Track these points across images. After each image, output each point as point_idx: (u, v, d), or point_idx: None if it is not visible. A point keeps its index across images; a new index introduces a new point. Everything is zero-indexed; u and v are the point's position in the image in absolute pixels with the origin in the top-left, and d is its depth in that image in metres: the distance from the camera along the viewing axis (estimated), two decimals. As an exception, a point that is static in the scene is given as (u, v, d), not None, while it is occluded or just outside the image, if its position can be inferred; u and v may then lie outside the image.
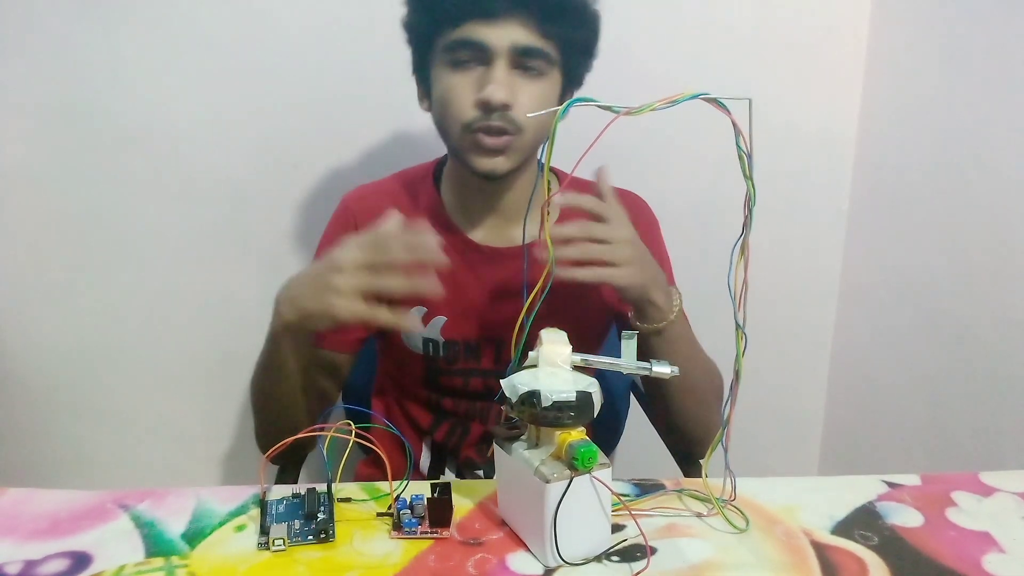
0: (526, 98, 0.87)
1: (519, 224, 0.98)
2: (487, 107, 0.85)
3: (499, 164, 0.88)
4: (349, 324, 0.78)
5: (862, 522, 0.70)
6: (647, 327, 0.86)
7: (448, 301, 0.97)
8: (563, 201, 0.81)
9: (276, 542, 0.64)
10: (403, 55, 0.94)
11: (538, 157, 0.99)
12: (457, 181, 0.98)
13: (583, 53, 0.93)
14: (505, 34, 0.84)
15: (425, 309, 0.97)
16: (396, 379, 1.07)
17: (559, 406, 0.60)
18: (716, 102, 0.59)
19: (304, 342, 0.86)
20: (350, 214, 1.00)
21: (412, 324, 0.81)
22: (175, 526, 0.68)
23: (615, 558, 0.64)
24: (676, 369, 0.70)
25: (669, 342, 0.87)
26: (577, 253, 0.78)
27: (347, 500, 0.71)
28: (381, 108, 1.22)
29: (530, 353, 0.67)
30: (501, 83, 0.84)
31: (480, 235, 0.98)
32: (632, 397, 1.22)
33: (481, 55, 0.85)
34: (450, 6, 0.85)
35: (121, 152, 1.31)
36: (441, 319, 0.97)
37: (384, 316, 0.76)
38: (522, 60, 0.86)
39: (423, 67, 0.92)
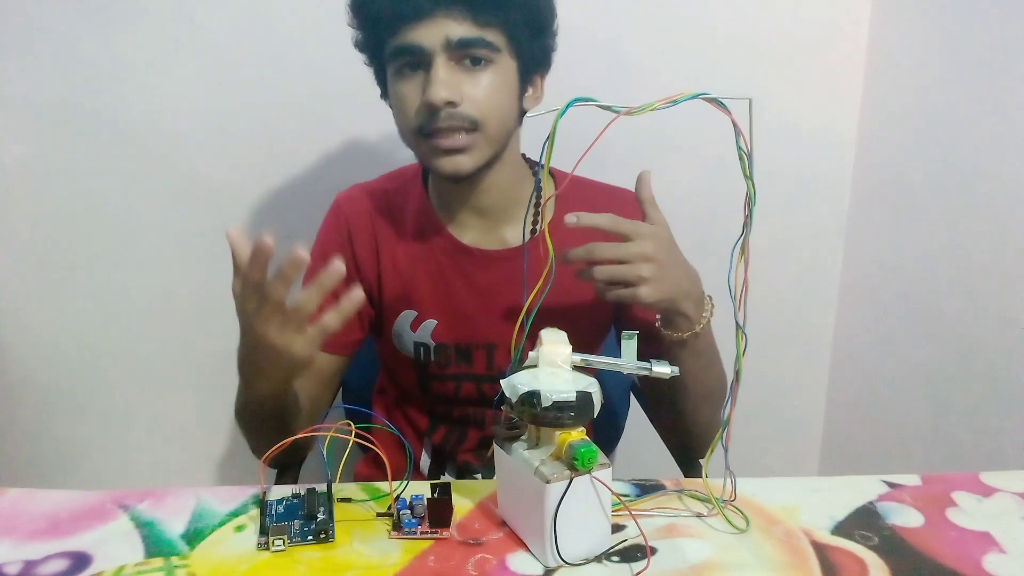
0: (474, 90, 0.84)
1: (506, 225, 0.97)
2: (432, 109, 0.83)
3: (462, 163, 0.86)
4: (316, 350, 0.74)
5: (862, 522, 0.70)
6: (672, 336, 0.84)
7: (438, 304, 0.97)
8: (576, 223, 0.77)
9: (276, 542, 0.64)
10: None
11: (521, 154, 0.99)
12: (441, 187, 0.97)
13: (533, 32, 0.89)
14: (435, 32, 0.82)
15: (416, 313, 0.97)
16: (393, 382, 1.07)
17: (559, 406, 0.60)
18: (716, 102, 0.59)
19: (284, 394, 0.83)
20: (342, 215, 1.00)
21: (354, 300, 0.71)
22: (175, 526, 0.68)
23: (615, 558, 0.64)
24: (676, 369, 0.70)
25: (692, 352, 0.85)
26: (598, 275, 0.77)
27: (347, 500, 0.71)
28: (381, 108, 1.22)
29: (530, 353, 0.67)
30: (441, 82, 0.82)
31: (469, 237, 0.97)
32: (632, 397, 1.21)
33: (420, 58, 0.84)
34: (381, 16, 0.84)
35: (120, 152, 1.31)
36: (432, 322, 0.97)
37: (330, 321, 0.71)
38: (462, 53, 0.84)
39: (380, 77, 0.92)
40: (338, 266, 0.69)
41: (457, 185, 0.91)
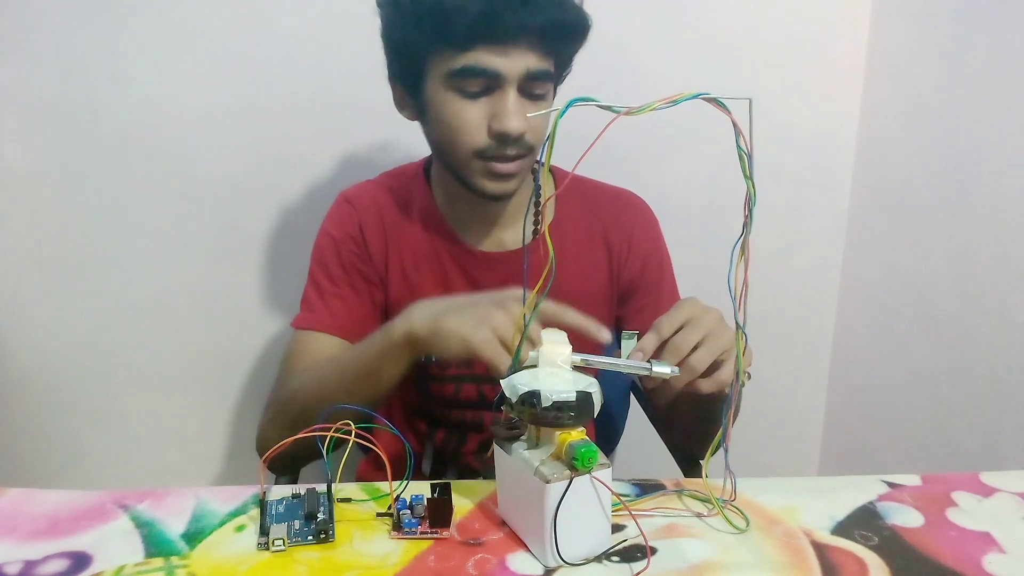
0: (535, 119, 0.86)
1: (510, 229, 0.97)
2: (504, 138, 0.83)
3: (510, 187, 0.88)
4: (473, 355, 0.73)
5: (862, 522, 0.70)
6: (718, 394, 0.75)
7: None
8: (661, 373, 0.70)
9: (276, 542, 0.64)
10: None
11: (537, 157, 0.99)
12: (447, 189, 0.97)
13: (571, 59, 0.92)
14: (517, 61, 0.82)
15: None
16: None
17: (559, 406, 0.60)
18: (716, 102, 0.59)
19: (409, 361, 0.80)
20: (352, 208, 0.99)
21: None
22: (175, 526, 0.68)
23: (615, 558, 0.64)
24: (676, 369, 0.70)
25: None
26: (698, 366, 0.70)
27: (347, 500, 0.71)
28: (381, 108, 1.22)
29: (530, 353, 0.67)
30: (516, 113, 0.83)
31: (473, 239, 0.97)
32: (632, 397, 1.21)
33: (490, 81, 0.83)
34: (458, 31, 0.80)
35: (120, 152, 1.31)
36: None
37: (504, 362, 0.71)
38: (530, 85, 0.84)
39: (408, 77, 0.89)
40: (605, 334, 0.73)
41: (486, 201, 0.91)
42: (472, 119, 0.84)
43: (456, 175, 0.90)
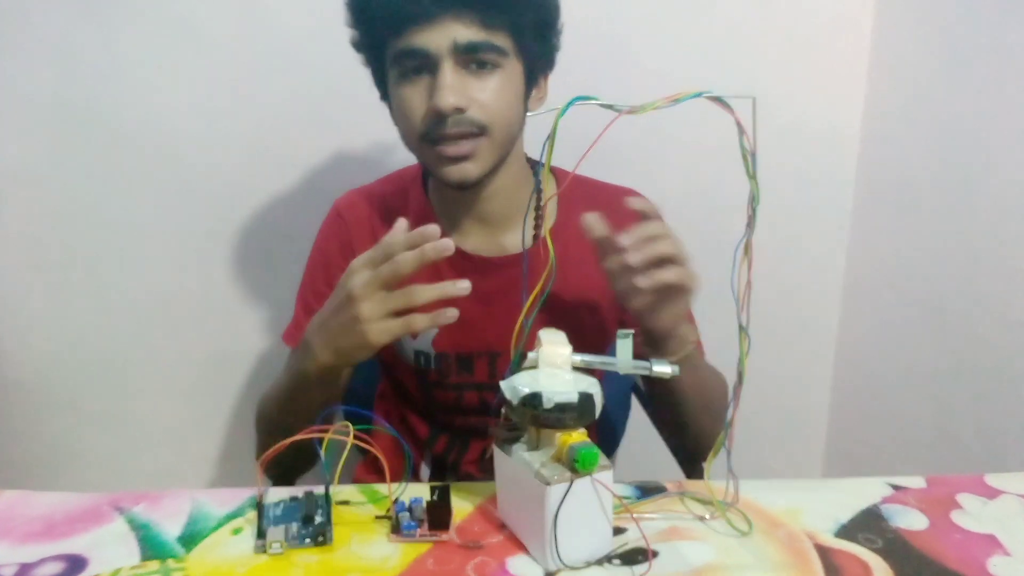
0: (481, 94, 0.83)
1: (507, 232, 0.95)
2: (440, 115, 0.81)
3: (468, 170, 0.85)
4: (388, 340, 0.75)
5: (866, 525, 0.69)
6: (676, 356, 0.81)
7: (439, 311, 0.96)
8: (596, 230, 0.77)
9: (273, 545, 0.64)
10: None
11: (525, 158, 0.97)
12: (441, 192, 0.96)
13: (539, 34, 0.88)
14: (443, 35, 0.80)
15: None
16: (395, 388, 1.06)
17: (561, 407, 0.60)
18: (719, 101, 0.59)
19: (337, 379, 0.83)
20: (342, 221, 0.98)
21: (449, 317, 0.75)
22: (171, 529, 0.67)
23: (616, 561, 0.63)
24: (677, 368, 0.70)
25: (689, 367, 0.83)
26: (645, 255, 0.74)
27: (345, 503, 0.71)
28: (378, 108, 1.22)
29: (529, 355, 0.67)
30: (449, 87, 0.81)
31: (470, 244, 0.95)
32: (634, 399, 1.21)
33: (426, 62, 0.82)
34: (384, 18, 0.82)
35: (118, 152, 1.31)
36: (432, 330, 0.96)
37: (420, 322, 0.74)
38: (470, 57, 0.82)
39: (384, 86, 0.90)
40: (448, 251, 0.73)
41: (462, 192, 0.89)
42: (413, 103, 0.84)
43: (426, 168, 0.90)
